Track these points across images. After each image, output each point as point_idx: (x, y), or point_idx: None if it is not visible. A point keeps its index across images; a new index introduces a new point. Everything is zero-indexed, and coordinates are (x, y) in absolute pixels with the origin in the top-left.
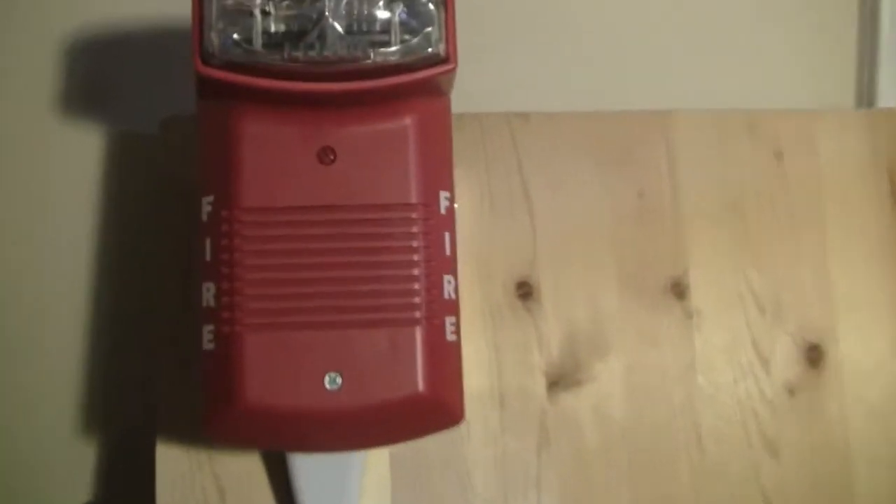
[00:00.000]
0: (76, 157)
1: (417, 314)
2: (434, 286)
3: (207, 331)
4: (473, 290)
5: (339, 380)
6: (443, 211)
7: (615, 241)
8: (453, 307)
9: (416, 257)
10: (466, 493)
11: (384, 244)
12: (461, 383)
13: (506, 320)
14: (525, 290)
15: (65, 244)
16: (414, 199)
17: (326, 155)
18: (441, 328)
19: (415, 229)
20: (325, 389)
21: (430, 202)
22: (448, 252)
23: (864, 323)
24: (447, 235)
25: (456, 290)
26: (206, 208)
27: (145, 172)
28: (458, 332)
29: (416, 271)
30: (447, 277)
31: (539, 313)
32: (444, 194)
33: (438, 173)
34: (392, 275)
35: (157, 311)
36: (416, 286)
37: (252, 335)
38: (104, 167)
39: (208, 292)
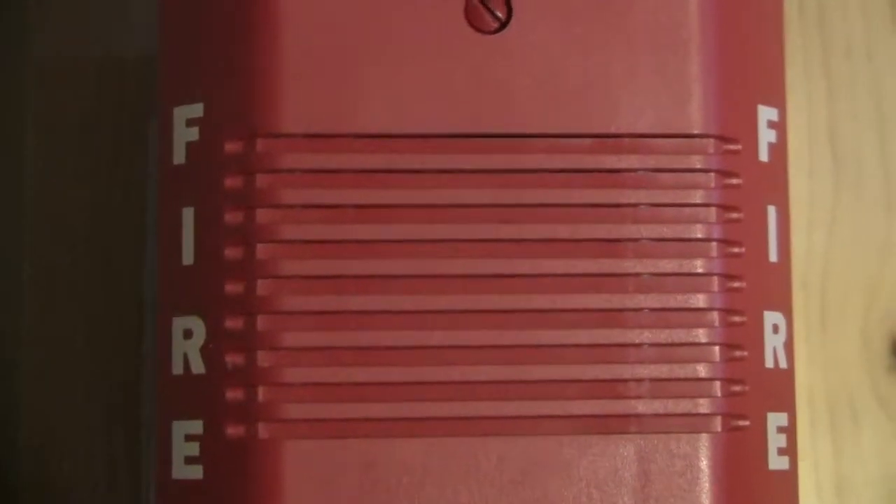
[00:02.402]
0: None
1: (706, 405)
2: (743, 335)
3: (183, 432)
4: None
5: None
6: (764, 155)
7: None
8: (787, 387)
9: (701, 266)
10: None
11: (622, 231)
12: None
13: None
14: None
15: None
16: (700, 126)
17: (490, 12)
18: (760, 438)
19: (698, 197)
20: None
21: (737, 133)
22: (776, 255)
23: None
24: (773, 213)
25: (790, 343)
26: (184, 135)
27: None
28: (792, 447)
29: (701, 300)
30: (772, 316)
31: None
32: (766, 113)
33: (755, 74)
34: (642, 306)
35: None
36: (704, 334)
37: (307, 445)
38: None
39: (186, 342)
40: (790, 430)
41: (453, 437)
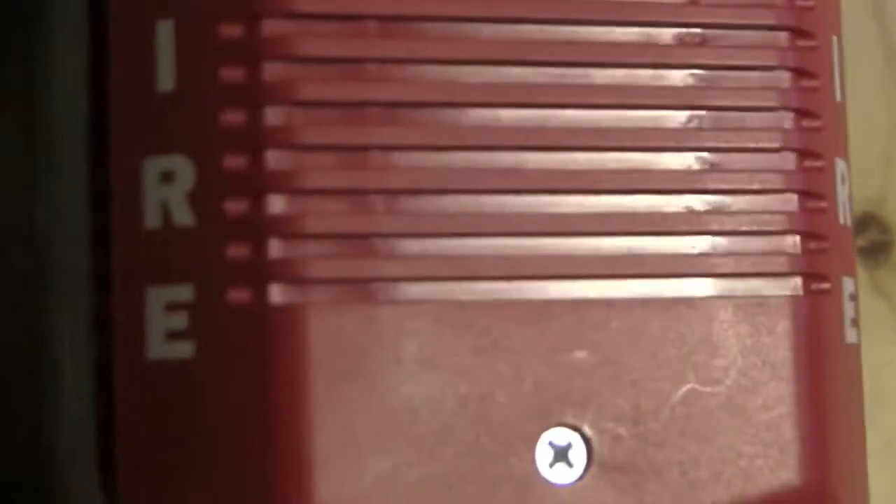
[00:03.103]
0: None
1: (787, 263)
2: (820, 183)
3: (163, 300)
4: None
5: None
6: None
7: None
8: (851, 249)
9: (774, 98)
10: None
11: (683, 56)
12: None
13: None
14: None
15: None
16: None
17: None
18: (837, 306)
19: (769, 17)
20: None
21: None
22: (839, 95)
23: None
24: (835, 42)
25: (851, 198)
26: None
27: None
28: (858, 319)
29: (773, 138)
30: (841, 164)
31: None
32: None
33: None
34: (715, 145)
35: None
36: (780, 179)
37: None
38: None
39: (166, 187)
40: (856, 300)
41: (503, 298)
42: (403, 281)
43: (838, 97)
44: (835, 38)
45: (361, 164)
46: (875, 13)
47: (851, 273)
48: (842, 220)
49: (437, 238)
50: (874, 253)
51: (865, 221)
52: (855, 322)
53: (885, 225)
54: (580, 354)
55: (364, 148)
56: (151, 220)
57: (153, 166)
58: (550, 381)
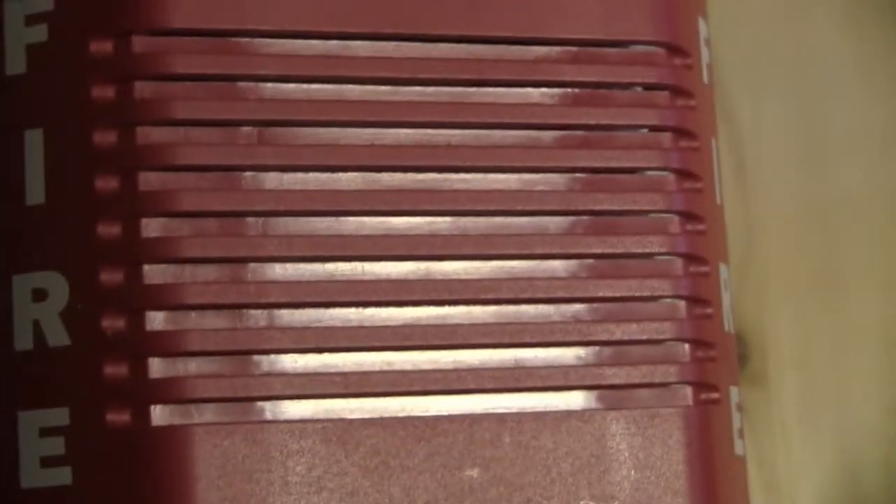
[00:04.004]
0: None
1: (677, 372)
2: (707, 289)
3: (36, 425)
4: None
5: None
6: (705, 76)
7: None
8: (735, 357)
9: (659, 201)
10: None
11: (565, 159)
12: None
13: None
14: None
15: None
16: (658, 34)
17: None
18: (727, 416)
19: (652, 118)
20: None
21: (687, 44)
22: (719, 198)
23: None
24: (714, 145)
25: (733, 304)
26: (22, 36)
27: None
28: (744, 430)
29: (658, 243)
30: (724, 269)
31: None
32: (702, 28)
33: None
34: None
35: None
36: (668, 286)
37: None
38: None
39: (38, 305)
40: (742, 410)
41: (391, 416)
42: (288, 399)
43: (718, 200)
44: (713, 141)
45: (241, 278)
46: (727, 121)
47: (737, 382)
48: (726, 328)
49: (319, 353)
50: None
51: None
52: (741, 433)
53: (741, 338)
54: (472, 472)
55: (243, 260)
56: (22, 340)
57: (23, 284)
58: (443, 501)
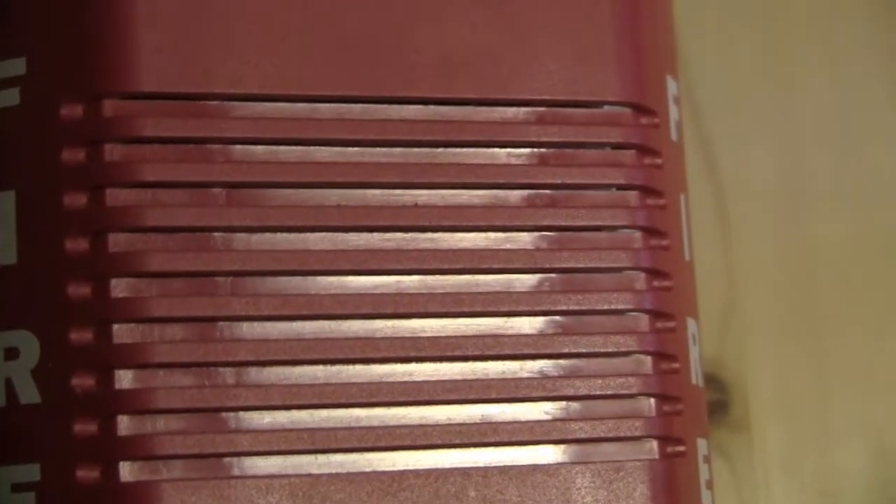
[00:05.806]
0: None
1: (643, 426)
2: (673, 344)
3: (8, 481)
4: None
5: None
6: (673, 134)
7: None
8: (703, 410)
9: (626, 258)
10: None
11: (532, 218)
12: None
13: None
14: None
15: None
16: (624, 94)
17: None
18: (693, 468)
19: (618, 177)
20: None
21: (653, 103)
22: (687, 254)
23: None
24: (683, 203)
25: (702, 358)
26: None
27: None
28: (712, 481)
29: (625, 300)
30: (692, 324)
31: None
32: (671, 86)
33: (662, 38)
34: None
35: None
36: (634, 342)
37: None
38: None
39: (10, 364)
40: (710, 462)
41: (358, 471)
42: (255, 455)
43: (687, 256)
44: (682, 197)
45: (209, 337)
46: (710, 172)
47: (704, 434)
48: (694, 381)
49: (287, 410)
50: (712, 413)
51: (703, 381)
52: (709, 484)
53: (723, 384)
54: None
55: (212, 319)
56: None
57: None
58: None
